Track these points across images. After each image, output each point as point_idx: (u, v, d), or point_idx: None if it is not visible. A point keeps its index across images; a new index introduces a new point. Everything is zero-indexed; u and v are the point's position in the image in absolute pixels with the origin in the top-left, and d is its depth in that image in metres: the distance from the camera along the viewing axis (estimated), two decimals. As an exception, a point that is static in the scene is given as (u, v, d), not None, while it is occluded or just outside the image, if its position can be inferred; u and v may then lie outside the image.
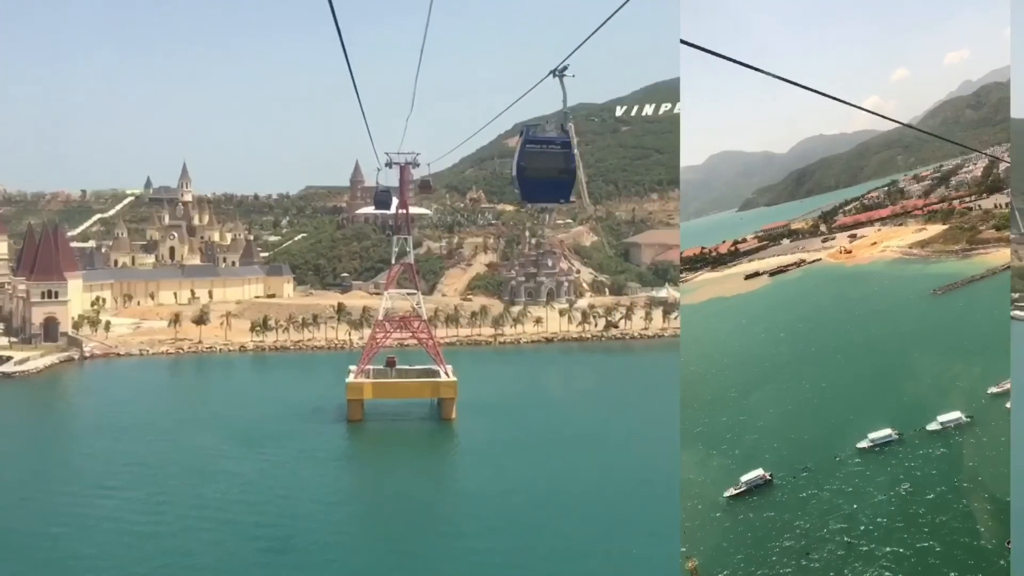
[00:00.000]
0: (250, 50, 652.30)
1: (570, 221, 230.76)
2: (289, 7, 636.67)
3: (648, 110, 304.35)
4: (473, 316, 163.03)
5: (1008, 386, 57.39)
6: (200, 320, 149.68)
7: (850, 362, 75.07)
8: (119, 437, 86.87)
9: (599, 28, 13.49)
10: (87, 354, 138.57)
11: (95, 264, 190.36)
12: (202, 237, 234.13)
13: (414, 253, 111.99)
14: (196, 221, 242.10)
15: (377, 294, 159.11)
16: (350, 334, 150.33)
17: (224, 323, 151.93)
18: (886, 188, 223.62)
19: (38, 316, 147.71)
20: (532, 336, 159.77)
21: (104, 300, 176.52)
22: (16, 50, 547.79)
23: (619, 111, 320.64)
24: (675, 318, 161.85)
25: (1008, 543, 39.83)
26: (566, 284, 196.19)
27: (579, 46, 14.97)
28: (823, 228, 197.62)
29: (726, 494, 52.65)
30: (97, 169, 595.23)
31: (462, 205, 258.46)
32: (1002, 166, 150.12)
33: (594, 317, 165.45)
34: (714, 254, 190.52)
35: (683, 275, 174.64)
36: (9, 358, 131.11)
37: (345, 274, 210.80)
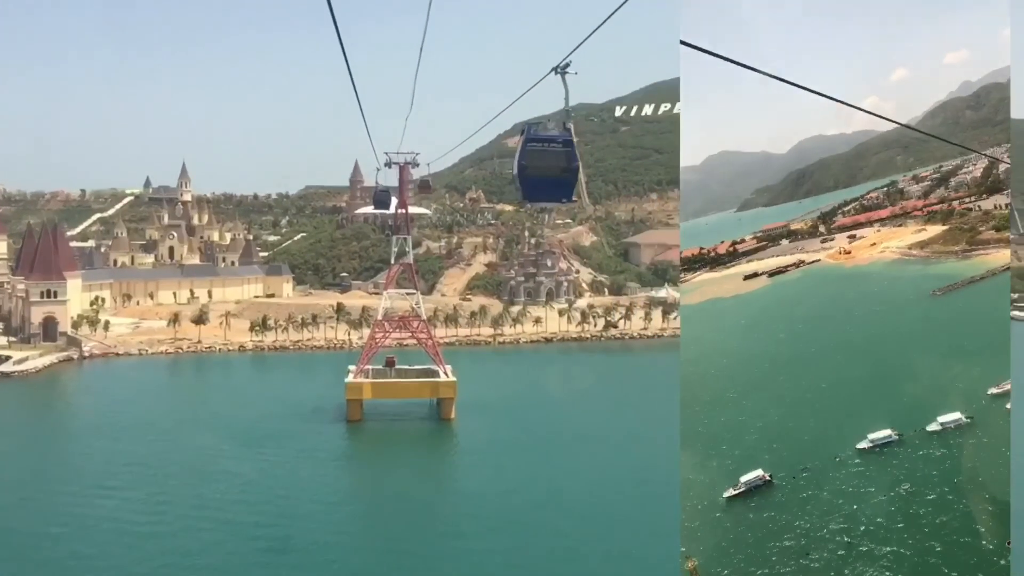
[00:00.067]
0: (250, 50, 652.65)
1: (569, 221, 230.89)
2: (289, 7, 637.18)
3: (648, 110, 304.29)
4: (472, 316, 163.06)
5: (1008, 387, 57.41)
6: (199, 320, 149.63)
7: (850, 363, 75.06)
8: (118, 437, 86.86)
9: (602, 24, 13.39)
10: (86, 354, 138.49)
11: (94, 264, 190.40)
12: (201, 237, 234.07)
13: (413, 253, 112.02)
14: (195, 221, 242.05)
15: (376, 294, 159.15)
16: (349, 334, 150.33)
17: (223, 323, 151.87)
18: (885, 189, 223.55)
19: (37, 316, 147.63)
20: (531, 336, 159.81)
21: (103, 300, 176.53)
22: (16, 49, 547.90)
23: (619, 111, 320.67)
24: (674, 318, 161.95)
25: (1008, 543, 39.87)
26: (565, 284, 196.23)
27: (581, 43, 14.87)
28: (822, 229, 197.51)
29: (726, 494, 52.66)
30: (96, 169, 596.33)
31: (461, 205, 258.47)
32: (1001, 167, 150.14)
33: (593, 317, 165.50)
34: (712, 254, 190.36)
35: (682, 275, 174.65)
36: (8, 358, 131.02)
37: (344, 274, 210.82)
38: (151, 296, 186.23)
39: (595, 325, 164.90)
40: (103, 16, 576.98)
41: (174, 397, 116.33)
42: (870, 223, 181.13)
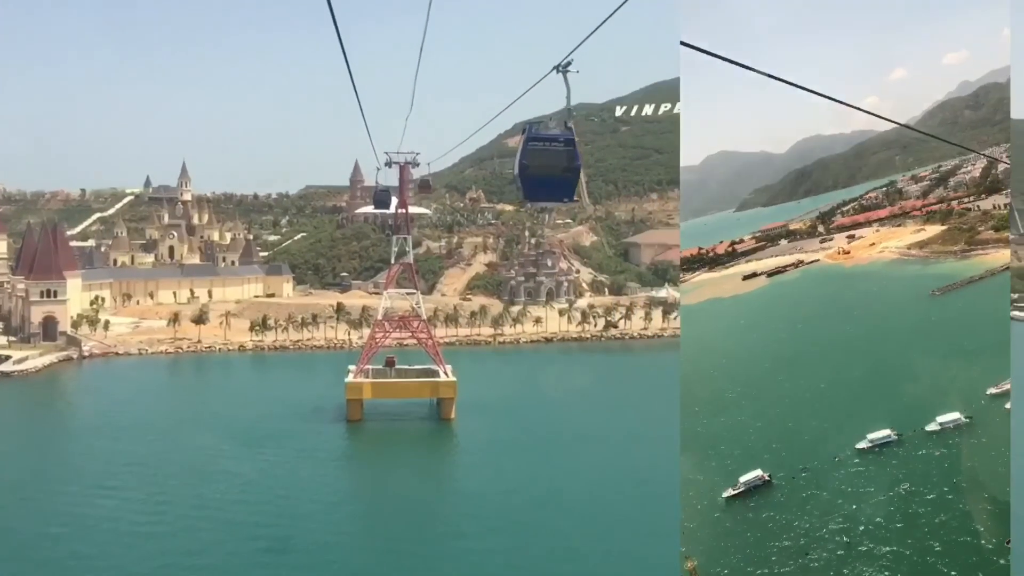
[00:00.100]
0: (250, 49, 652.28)
1: (570, 221, 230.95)
2: (289, 7, 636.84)
3: (648, 110, 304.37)
4: (472, 316, 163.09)
5: (1007, 387, 57.48)
6: (199, 319, 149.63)
7: (849, 363, 75.14)
8: (118, 437, 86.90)
9: (603, 23, 13.36)
10: (86, 353, 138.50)
11: (94, 263, 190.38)
12: (201, 236, 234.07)
13: (413, 253, 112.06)
14: (195, 220, 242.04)
15: (376, 294, 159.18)
16: (349, 334, 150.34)
17: (223, 322, 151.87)
18: (884, 188, 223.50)
19: (37, 315, 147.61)
20: (531, 336, 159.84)
21: (103, 299, 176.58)
22: (16, 49, 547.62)
23: (619, 111, 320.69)
24: (675, 318, 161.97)
25: (1008, 543, 39.94)
26: (566, 284, 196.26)
27: (583, 41, 14.78)
28: (821, 229, 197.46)
29: (725, 494, 52.74)
30: (97, 168, 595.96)
31: (462, 205, 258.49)
32: (1000, 167, 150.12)
33: (593, 317, 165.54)
34: (711, 255, 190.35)
35: (681, 276, 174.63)
36: (8, 357, 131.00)
37: (344, 274, 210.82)
38: (151, 296, 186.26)
39: (595, 325, 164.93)
40: (103, 16, 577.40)
41: (174, 397, 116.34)
42: (869, 223, 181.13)
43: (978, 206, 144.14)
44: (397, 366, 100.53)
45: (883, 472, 50.60)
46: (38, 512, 63.78)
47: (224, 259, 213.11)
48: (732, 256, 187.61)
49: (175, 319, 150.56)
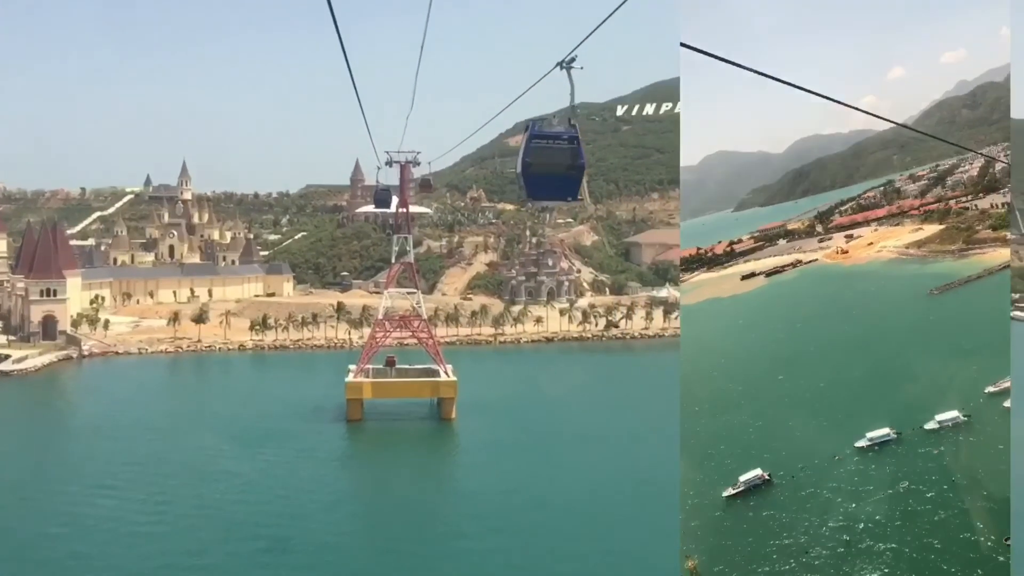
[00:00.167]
0: (249, 49, 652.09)
1: (571, 220, 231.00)
2: (289, 7, 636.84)
3: (649, 109, 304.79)
4: (473, 315, 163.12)
5: (1005, 385, 57.58)
6: (199, 319, 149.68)
7: (848, 362, 75.19)
8: (118, 436, 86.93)
9: (605, 20, 13.33)
10: (86, 352, 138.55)
11: (94, 262, 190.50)
12: (202, 235, 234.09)
13: (414, 252, 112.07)
14: (196, 219, 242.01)
15: (377, 293, 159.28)
16: (350, 333, 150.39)
17: (223, 322, 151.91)
18: (882, 188, 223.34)
19: (37, 314, 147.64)
20: (532, 336, 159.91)
21: (103, 298, 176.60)
22: (16, 48, 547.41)
23: (620, 110, 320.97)
24: (675, 318, 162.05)
25: (1007, 540, 40.04)
26: (566, 283, 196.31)
27: (586, 38, 14.48)
28: (819, 228, 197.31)
29: (725, 494, 52.77)
30: (97, 167, 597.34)
31: (462, 204, 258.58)
32: (998, 166, 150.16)
33: (594, 317, 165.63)
34: (710, 255, 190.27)
35: (680, 276, 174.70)
36: (7, 356, 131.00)
37: (345, 273, 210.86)
38: (151, 295, 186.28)
39: (596, 325, 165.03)
40: (103, 16, 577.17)
41: (174, 396, 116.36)
42: (867, 222, 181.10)
43: (976, 205, 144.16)
44: (397, 366, 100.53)
45: (882, 470, 50.69)
46: (38, 512, 63.80)
47: (224, 258, 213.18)
48: (731, 256, 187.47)
49: (175, 318, 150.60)
